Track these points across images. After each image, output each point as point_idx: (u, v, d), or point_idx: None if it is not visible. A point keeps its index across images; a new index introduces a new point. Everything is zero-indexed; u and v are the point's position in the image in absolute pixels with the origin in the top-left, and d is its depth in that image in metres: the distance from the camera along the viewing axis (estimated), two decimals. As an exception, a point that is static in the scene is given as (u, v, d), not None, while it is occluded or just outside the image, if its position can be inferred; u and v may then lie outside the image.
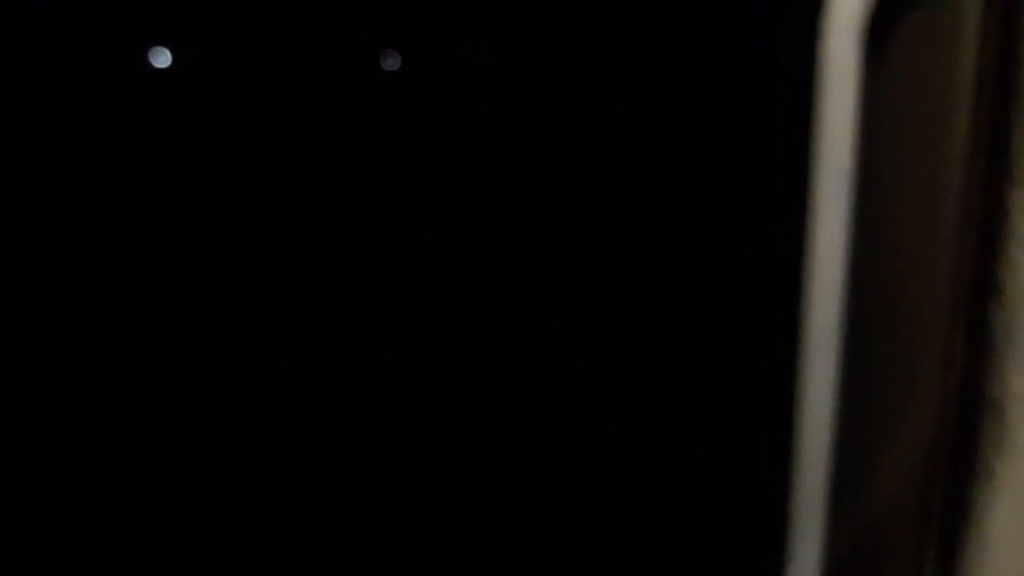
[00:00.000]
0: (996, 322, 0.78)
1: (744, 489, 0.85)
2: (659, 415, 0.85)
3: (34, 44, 0.66)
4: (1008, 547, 0.81)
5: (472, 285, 0.79)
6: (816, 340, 0.77)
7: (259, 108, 0.67)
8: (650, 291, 0.83)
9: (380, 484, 0.82)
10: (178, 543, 0.83)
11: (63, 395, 0.77)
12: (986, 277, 0.78)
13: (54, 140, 0.69)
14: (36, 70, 0.67)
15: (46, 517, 0.79)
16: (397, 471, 0.82)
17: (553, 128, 0.79)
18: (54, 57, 0.66)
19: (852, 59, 0.74)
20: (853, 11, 0.73)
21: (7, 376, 0.76)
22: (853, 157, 0.75)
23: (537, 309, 0.81)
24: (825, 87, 0.74)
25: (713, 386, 0.85)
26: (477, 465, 0.83)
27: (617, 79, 0.79)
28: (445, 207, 0.79)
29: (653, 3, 0.79)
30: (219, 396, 0.79)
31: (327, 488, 0.83)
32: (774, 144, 0.80)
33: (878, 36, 0.75)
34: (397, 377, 0.79)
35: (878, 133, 0.77)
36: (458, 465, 0.84)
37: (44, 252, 0.75)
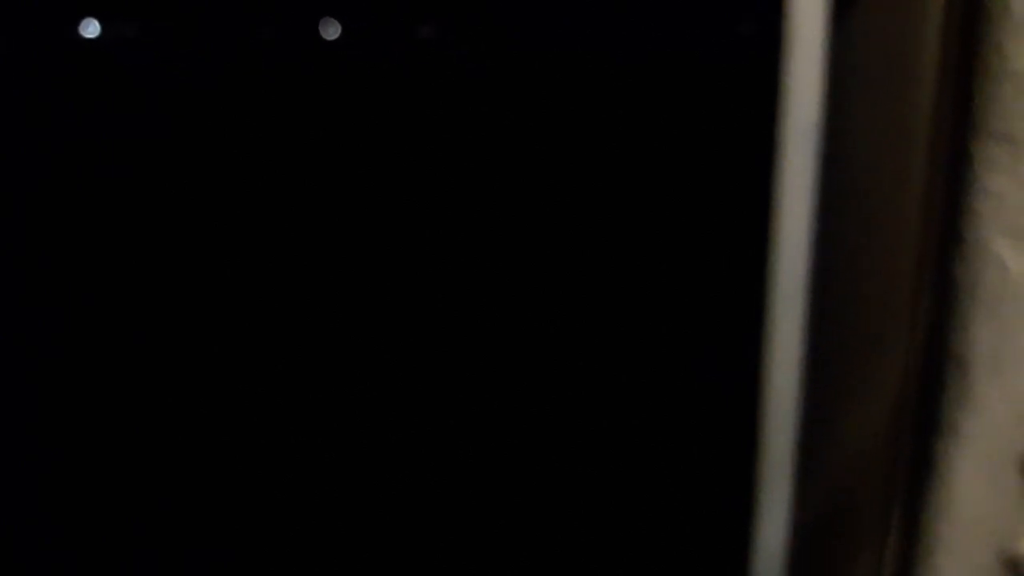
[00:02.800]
0: (959, 275, 0.77)
1: (711, 450, 0.88)
2: (626, 380, 0.89)
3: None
4: (971, 499, 0.79)
5: (441, 279, 0.84)
6: (783, 298, 0.80)
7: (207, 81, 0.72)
8: (619, 243, 0.88)
9: (368, 481, 0.87)
10: (177, 542, 0.87)
11: (40, 400, 0.79)
12: (950, 230, 0.77)
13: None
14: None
15: (46, 516, 0.83)
16: (379, 467, 0.86)
17: (520, 99, 0.85)
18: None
19: (819, 12, 0.77)
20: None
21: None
22: (820, 111, 0.78)
23: (509, 293, 0.87)
24: (792, 40, 0.77)
25: (679, 345, 0.88)
26: (458, 455, 0.88)
27: (593, 58, 0.84)
28: (411, 198, 0.85)
29: None
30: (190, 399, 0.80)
31: (322, 486, 0.88)
32: (742, 99, 0.83)
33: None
34: (372, 372, 0.83)
35: (845, 89, 0.79)
36: (445, 457, 0.89)
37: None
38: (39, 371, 0.72)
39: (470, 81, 0.83)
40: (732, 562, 0.90)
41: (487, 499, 0.91)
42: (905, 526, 0.83)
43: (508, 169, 0.83)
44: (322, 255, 0.77)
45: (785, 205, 0.81)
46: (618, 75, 0.84)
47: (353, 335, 0.80)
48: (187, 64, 0.69)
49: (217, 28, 0.68)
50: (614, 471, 0.90)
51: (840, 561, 0.92)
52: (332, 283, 0.79)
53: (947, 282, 0.78)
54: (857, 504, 0.91)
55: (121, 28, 0.64)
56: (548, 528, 0.92)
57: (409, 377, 0.83)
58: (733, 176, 0.83)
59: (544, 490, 0.91)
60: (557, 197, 0.85)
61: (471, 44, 0.81)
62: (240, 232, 0.74)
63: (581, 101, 0.85)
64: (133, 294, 0.71)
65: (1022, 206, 0.75)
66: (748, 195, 0.82)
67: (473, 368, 0.87)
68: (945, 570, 0.81)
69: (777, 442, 0.85)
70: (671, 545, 0.92)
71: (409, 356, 0.83)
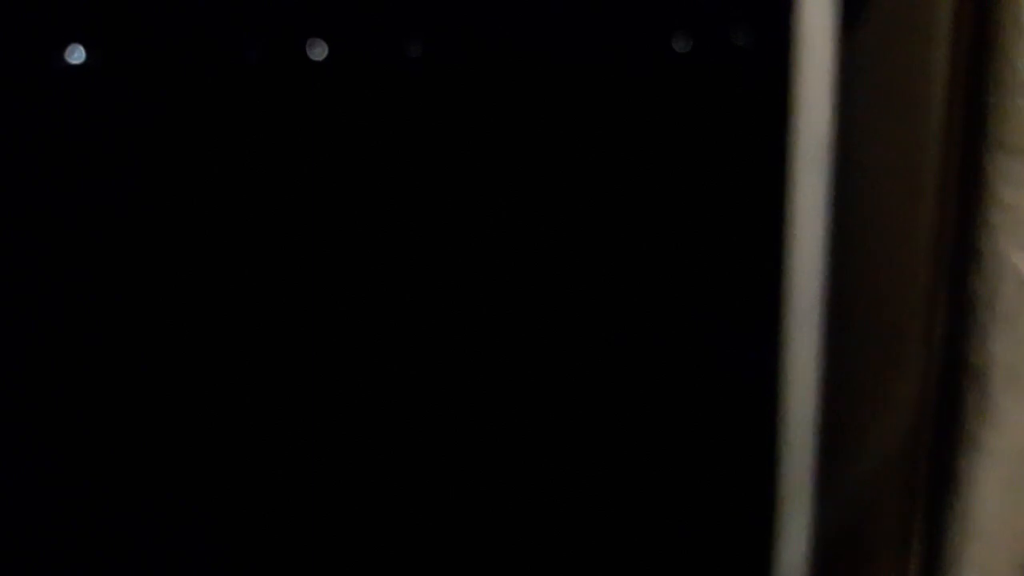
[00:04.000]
0: (976, 289, 0.77)
1: (731, 467, 0.88)
2: (642, 395, 0.89)
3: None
4: (994, 515, 0.79)
5: (440, 281, 0.84)
6: (798, 313, 0.80)
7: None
8: (629, 267, 0.87)
9: (380, 480, 0.86)
10: (177, 543, 0.87)
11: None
12: (966, 243, 0.77)
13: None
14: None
15: (46, 517, 0.83)
16: (376, 470, 0.86)
17: (520, 105, 0.84)
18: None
19: (828, 26, 0.76)
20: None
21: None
22: (831, 126, 0.78)
23: (513, 300, 0.87)
24: (801, 55, 0.77)
25: (696, 363, 0.88)
26: (460, 459, 0.88)
27: (587, 53, 0.84)
28: (403, 215, 0.85)
29: None
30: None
31: (320, 485, 0.87)
32: (751, 116, 0.83)
33: (852, 3, 0.77)
34: (368, 376, 0.83)
35: (855, 101, 0.79)
36: (443, 459, 0.89)
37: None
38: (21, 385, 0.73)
39: (460, 100, 0.83)
40: (754, 579, 0.90)
41: (496, 515, 0.91)
42: (927, 541, 0.83)
43: (503, 190, 0.83)
44: (310, 272, 0.78)
45: (799, 223, 0.81)
46: (621, 90, 0.83)
47: (336, 349, 0.81)
48: (171, 87, 0.69)
49: (203, 49, 0.68)
50: (634, 491, 0.89)
51: (862, 577, 0.91)
52: (319, 297, 0.79)
53: (964, 296, 0.78)
54: (878, 519, 0.90)
55: (106, 53, 0.64)
56: (563, 543, 0.92)
57: (418, 378, 0.83)
58: (745, 195, 0.83)
59: (560, 504, 0.91)
60: (558, 213, 0.84)
61: (462, 62, 0.81)
62: (226, 256, 0.74)
63: (580, 117, 0.84)
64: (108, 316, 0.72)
65: (1037, 218, 0.74)
66: (761, 214, 0.82)
67: (478, 389, 0.87)
68: (969, 586, 0.81)
69: (797, 459, 0.85)
70: (692, 562, 0.92)
71: (415, 359, 0.83)
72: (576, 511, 0.91)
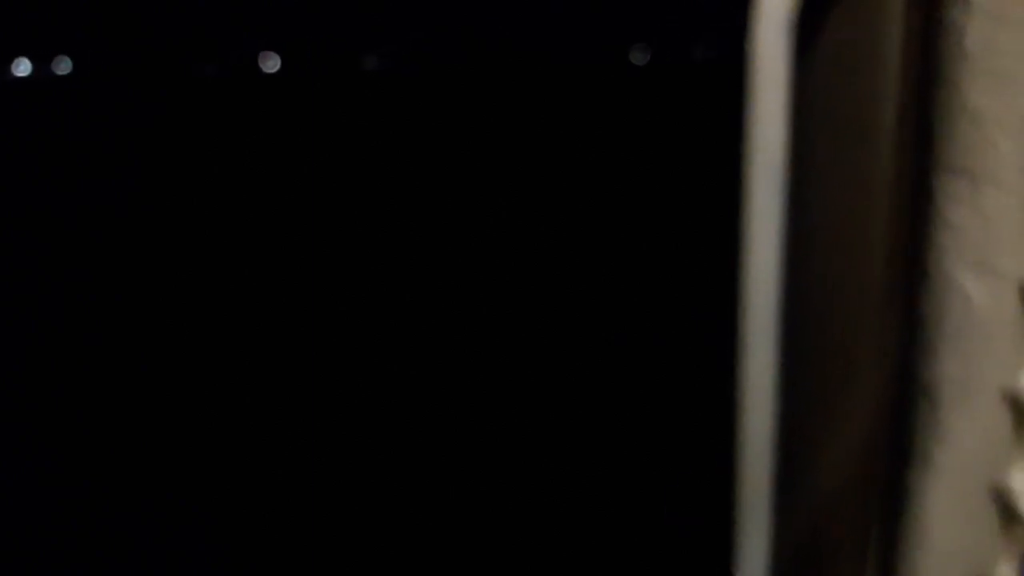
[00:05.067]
0: (925, 308, 0.78)
1: (692, 482, 0.89)
2: (604, 414, 0.91)
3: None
4: (945, 528, 0.80)
5: (397, 284, 0.86)
6: (754, 332, 0.81)
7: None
8: (589, 289, 0.89)
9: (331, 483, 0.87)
10: (175, 542, 0.88)
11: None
12: (915, 263, 0.79)
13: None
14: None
15: (46, 517, 0.84)
16: (341, 470, 0.87)
17: (484, 124, 0.86)
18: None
19: (781, 52, 0.78)
20: (781, 4, 0.77)
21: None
22: (784, 148, 0.79)
23: (468, 310, 0.88)
24: (755, 80, 0.79)
25: (655, 381, 0.89)
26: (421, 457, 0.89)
27: (552, 74, 0.86)
28: (358, 224, 0.86)
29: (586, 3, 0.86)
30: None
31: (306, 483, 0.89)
32: (706, 138, 0.85)
33: (806, 28, 0.79)
34: (307, 374, 0.84)
35: (808, 124, 0.81)
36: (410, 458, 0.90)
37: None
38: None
39: (420, 109, 0.84)
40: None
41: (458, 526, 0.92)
42: (881, 554, 0.84)
43: (458, 198, 0.84)
44: (266, 276, 0.79)
45: (754, 243, 0.83)
46: (579, 101, 0.85)
47: (284, 359, 0.82)
48: (128, 100, 0.71)
49: (157, 64, 0.70)
50: (595, 510, 0.91)
51: (820, 591, 0.93)
52: (277, 298, 0.81)
53: (913, 314, 0.80)
54: (836, 535, 0.92)
55: (57, 66, 0.65)
56: (529, 546, 0.93)
57: (377, 378, 0.84)
58: (700, 218, 0.85)
59: (525, 514, 0.93)
60: (514, 222, 0.86)
61: (417, 74, 0.83)
62: (181, 266, 0.76)
63: (537, 127, 0.86)
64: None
65: (983, 239, 0.76)
66: (716, 235, 0.84)
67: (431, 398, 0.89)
68: (922, 599, 0.82)
69: (755, 474, 0.86)
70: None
71: (367, 362, 0.84)
72: (540, 517, 0.92)
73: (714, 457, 0.88)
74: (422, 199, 0.84)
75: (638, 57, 0.89)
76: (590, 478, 0.91)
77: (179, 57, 0.68)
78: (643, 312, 0.85)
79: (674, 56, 0.82)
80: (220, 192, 0.75)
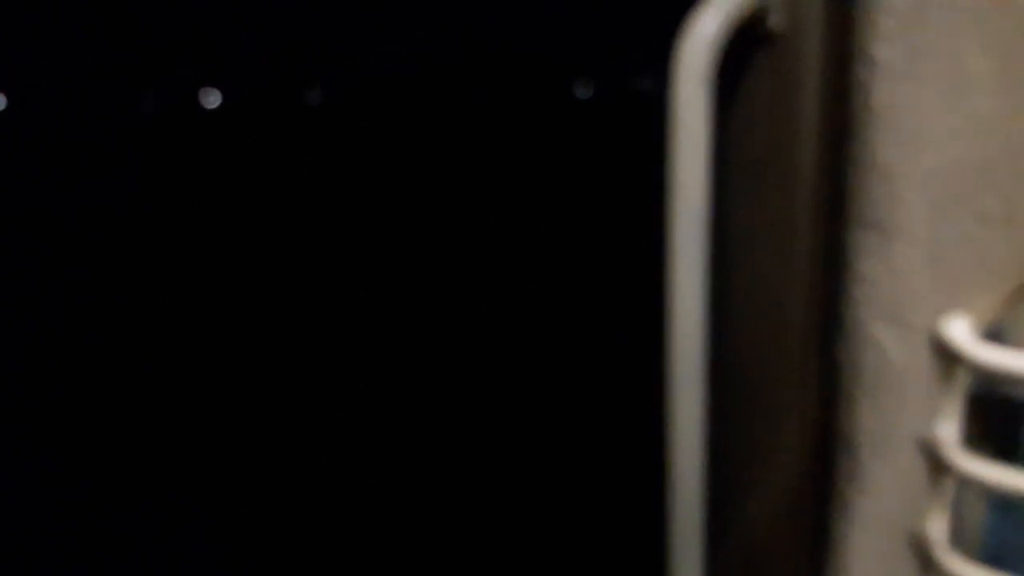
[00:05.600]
0: (842, 359, 0.80)
1: (621, 535, 0.91)
2: (535, 463, 0.92)
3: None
4: (865, 574, 0.82)
5: (335, 308, 0.88)
6: (681, 380, 0.82)
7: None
8: (514, 343, 0.91)
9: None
10: (172, 541, 0.91)
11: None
12: (832, 315, 0.80)
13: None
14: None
15: (46, 517, 0.87)
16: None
17: (427, 154, 0.88)
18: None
19: (702, 105, 0.80)
20: (702, 58, 0.79)
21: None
22: (706, 200, 0.81)
23: (398, 331, 0.90)
24: (677, 132, 0.80)
25: (584, 431, 0.91)
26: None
27: (474, 117, 0.88)
28: (296, 257, 0.89)
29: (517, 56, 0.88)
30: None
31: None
32: (628, 190, 0.86)
33: (726, 83, 0.81)
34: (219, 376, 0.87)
35: (731, 175, 0.83)
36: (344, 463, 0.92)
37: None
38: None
39: (355, 145, 0.87)
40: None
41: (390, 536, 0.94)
42: (808, 602, 0.85)
43: (399, 226, 0.87)
44: (207, 306, 0.82)
45: (678, 294, 0.84)
46: (507, 146, 0.88)
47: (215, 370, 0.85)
48: (65, 135, 0.73)
49: (96, 98, 0.72)
50: (527, 554, 0.92)
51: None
52: (220, 318, 0.84)
53: (832, 366, 0.81)
54: (764, 580, 0.93)
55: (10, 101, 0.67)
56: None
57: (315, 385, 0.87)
58: (623, 270, 0.86)
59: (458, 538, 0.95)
60: (449, 251, 0.88)
61: (359, 109, 0.85)
62: (129, 286, 0.78)
63: (476, 157, 0.89)
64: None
65: (894, 291, 0.78)
66: (640, 286, 0.85)
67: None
68: (846, 645, 0.83)
69: (685, 525, 0.87)
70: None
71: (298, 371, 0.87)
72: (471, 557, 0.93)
73: (643, 507, 0.89)
74: (366, 229, 0.86)
75: (581, 91, 0.91)
76: (511, 531, 0.92)
77: (117, 94, 0.70)
78: (567, 354, 0.87)
79: (616, 89, 0.85)
80: (165, 225, 0.77)
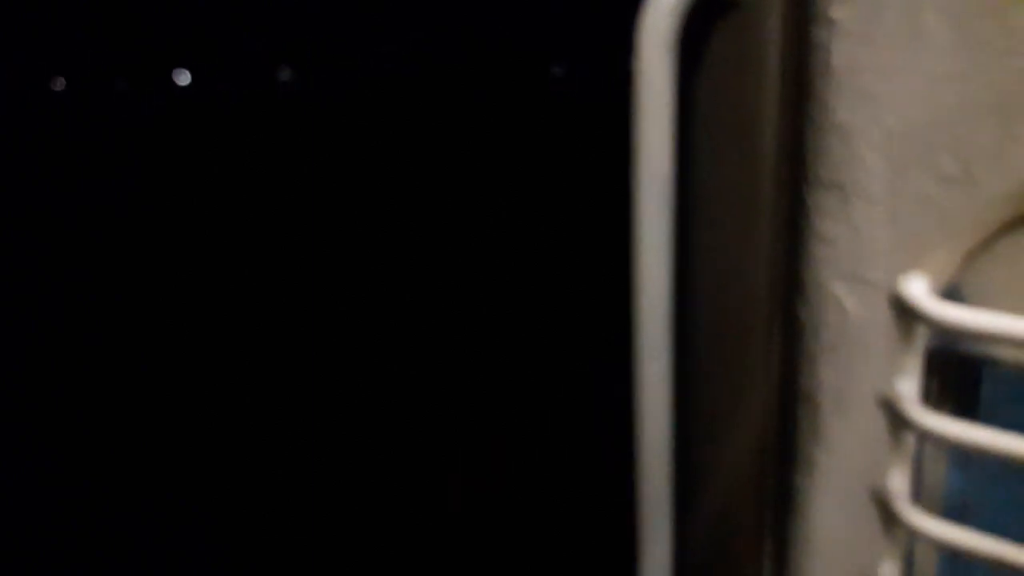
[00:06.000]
0: (803, 319, 0.81)
1: (591, 499, 0.92)
2: (505, 428, 0.93)
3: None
4: (829, 530, 0.83)
5: (307, 291, 0.89)
6: (648, 345, 0.83)
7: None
8: (484, 303, 0.92)
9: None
10: (170, 541, 0.91)
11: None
12: (794, 275, 0.81)
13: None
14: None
15: (46, 517, 0.87)
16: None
17: (379, 139, 0.89)
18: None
19: (666, 70, 0.81)
20: (665, 24, 0.80)
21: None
22: (671, 163, 0.82)
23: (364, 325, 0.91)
24: (642, 97, 0.81)
25: (551, 398, 0.92)
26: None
27: (442, 93, 0.89)
28: (271, 236, 0.90)
29: (472, 24, 0.89)
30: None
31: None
32: (596, 156, 0.87)
33: (690, 47, 0.82)
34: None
35: (695, 140, 0.83)
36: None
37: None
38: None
39: (327, 122, 0.88)
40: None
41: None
42: (774, 555, 0.87)
43: (370, 204, 0.88)
44: (180, 285, 0.83)
45: (644, 259, 0.85)
46: (475, 123, 0.89)
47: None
48: (37, 114, 0.74)
49: (69, 79, 0.73)
50: (499, 521, 0.93)
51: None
52: (186, 304, 0.85)
53: (794, 324, 0.82)
54: (734, 540, 0.94)
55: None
56: (441, 550, 0.97)
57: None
58: (591, 235, 0.88)
59: (423, 525, 0.96)
60: (424, 227, 0.89)
61: (329, 86, 0.86)
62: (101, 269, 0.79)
63: (447, 135, 0.90)
64: None
65: (854, 250, 0.79)
66: (607, 251, 0.86)
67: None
68: (810, 599, 0.85)
69: (654, 486, 0.88)
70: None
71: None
72: (438, 531, 0.94)
73: (613, 470, 0.90)
74: (337, 211, 0.86)
75: (557, 71, 0.92)
76: (488, 491, 0.94)
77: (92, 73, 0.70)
78: (536, 320, 0.88)
79: (564, 80, 0.85)
80: (141, 206, 0.78)
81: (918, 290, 0.78)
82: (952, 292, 0.80)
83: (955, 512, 0.85)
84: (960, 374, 0.83)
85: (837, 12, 0.76)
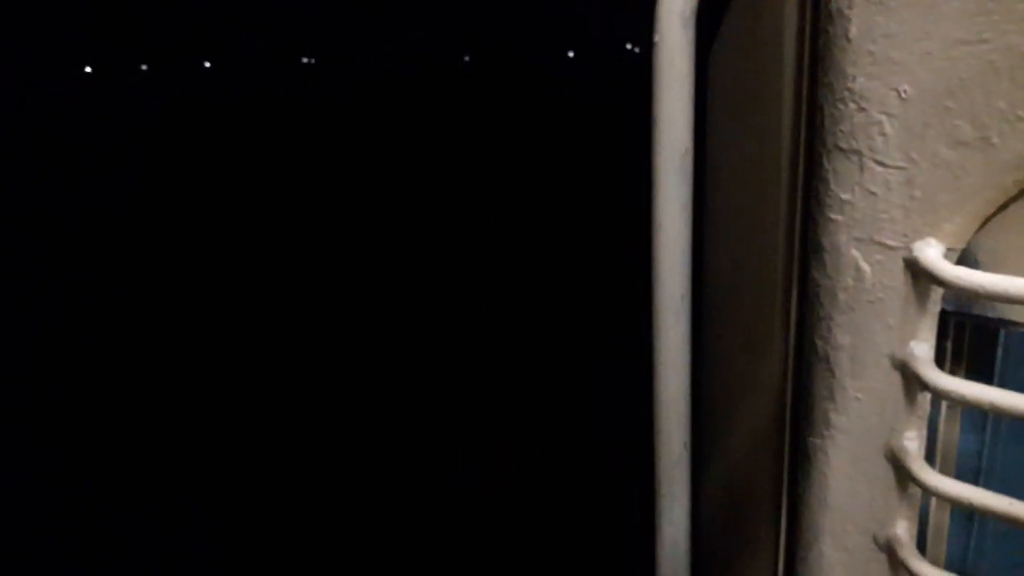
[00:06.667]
0: (820, 281, 0.83)
1: (610, 457, 0.94)
2: (525, 390, 0.96)
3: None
4: (844, 489, 0.85)
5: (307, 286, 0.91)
6: (667, 307, 0.86)
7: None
8: (503, 271, 0.94)
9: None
10: (169, 541, 0.93)
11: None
12: (811, 238, 0.83)
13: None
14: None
15: (46, 517, 0.89)
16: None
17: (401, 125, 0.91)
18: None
19: (685, 42, 0.83)
20: None
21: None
22: (690, 133, 0.84)
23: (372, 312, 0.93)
24: (661, 69, 0.83)
25: (573, 356, 0.94)
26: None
27: (455, 75, 0.90)
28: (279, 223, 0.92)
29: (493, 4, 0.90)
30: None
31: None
32: (615, 128, 0.89)
33: (708, 19, 0.83)
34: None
35: (713, 109, 0.85)
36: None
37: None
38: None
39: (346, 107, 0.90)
40: (639, 560, 0.96)
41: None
42: (789, 512, 0.89)
43: (384, 199, 0.90)
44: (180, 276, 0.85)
45: (663, 224, 0.87)
46: (496, 104, 0.91)
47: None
48: (51, 107, 0.76)
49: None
50: (518, 480, 0.96)
51: (740, 553, 0.97)
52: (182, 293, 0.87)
53: (812, 287, 0.84)
54: (750, 497, 0.96)
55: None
56: (452, 527, 1.00)
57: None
58: (611, 205, 0.90)
59: (448, 492, 0.99)
60: (437, 219, 0.92)
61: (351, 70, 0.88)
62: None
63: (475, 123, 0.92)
64: None
65: (871, 215, 0.81)
66: (628, 220, 0.88)
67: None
68: (826, 556, 0.87)
69: (671, 444, 0.91)
70: (580, 546, 0.99)
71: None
72: (459, 490, 0.97)
73: (633, 428, 0.93)
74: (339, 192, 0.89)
75: (544, 56, 0.93)
76: (512, 447, 0.97)
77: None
78: (557, 288, 0.90)
79: (583, 54, 0.87)
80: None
81: (934, 253, 0.79)
82: (968, 255, 0.81)
83: (969, 475, 0.87)
84: (974, 337, 0.84)
85: (855, -20, 0.77)
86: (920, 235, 0.80)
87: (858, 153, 0.80)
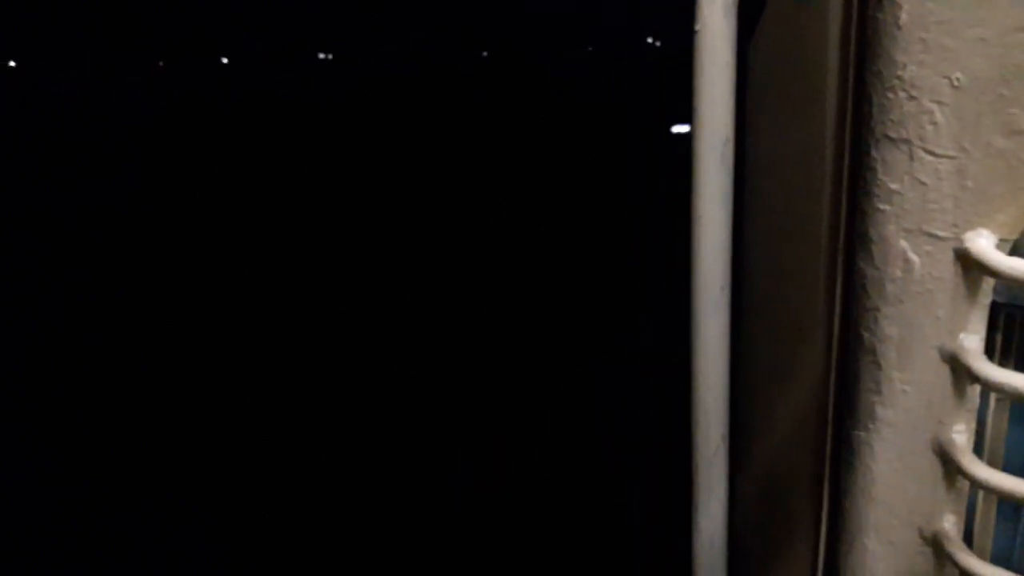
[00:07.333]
0: (868, 272, 0.82)
1: (649, 445, 0.94)
2: (564, 383, 0.95)
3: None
4: (889, 483, 0.84)
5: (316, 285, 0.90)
6: (707, 300, 0.85)
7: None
8: (545, 258, 0.93)
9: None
10: (169, 541, 0.92)
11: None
12: (858, 229, 0.82)
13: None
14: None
15: (46, 517, 0.87)
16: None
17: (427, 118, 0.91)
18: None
19: (728, 32, 0.82)
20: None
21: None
22: (732, 124, 0.83)
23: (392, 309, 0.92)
24: (703, 60, 0.82)
25: (613, 349, 0.94)
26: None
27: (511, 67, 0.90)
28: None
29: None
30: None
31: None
32: (657, 117, 0.88)
33: (751, 7, 0.82)
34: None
35: (755, 100, 0.84)
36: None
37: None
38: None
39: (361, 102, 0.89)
40: (676, 552, 0.95)
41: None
42: (832, 506, 0.88)
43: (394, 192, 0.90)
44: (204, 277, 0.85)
45: (705, 215, 0.86)
46: (532, 93, 0.90)
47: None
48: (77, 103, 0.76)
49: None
50: (561, 471, 0.96)
51: (778, 547, 0.97)
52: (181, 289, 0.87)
53: (859, 279, 0.83)
54: (790, 490, 0.95)
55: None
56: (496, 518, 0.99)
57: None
58: (652, 194, 0.89)
59: (487, 483, 0.99)
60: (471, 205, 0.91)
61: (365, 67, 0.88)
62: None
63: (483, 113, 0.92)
64: None
65: (920, 205, 0.79)
66: (668, 209, 0.88)
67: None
68: (870, 550, 0.86)
69: (710, 434, 0.90)
70: (618, 536, 0.98)
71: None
72: (508, 483, 0.97)
73: (673, 415, 0.92)
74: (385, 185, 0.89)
75: (586, 45, 0.93)
76: (555, 440, 0.96)
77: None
78: (597, 279, 0.90)
79: (626, 42, 0.86)
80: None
81: (985, 244, 0.78)
82: (1019, 248, 0.80)
83: (1018, 468, 0.86)
84: (1025, 329, 0.83)
85: (906, -34, 0.76)
86: (971, 225, 0.79)
87: (908, 142, 0.79)
